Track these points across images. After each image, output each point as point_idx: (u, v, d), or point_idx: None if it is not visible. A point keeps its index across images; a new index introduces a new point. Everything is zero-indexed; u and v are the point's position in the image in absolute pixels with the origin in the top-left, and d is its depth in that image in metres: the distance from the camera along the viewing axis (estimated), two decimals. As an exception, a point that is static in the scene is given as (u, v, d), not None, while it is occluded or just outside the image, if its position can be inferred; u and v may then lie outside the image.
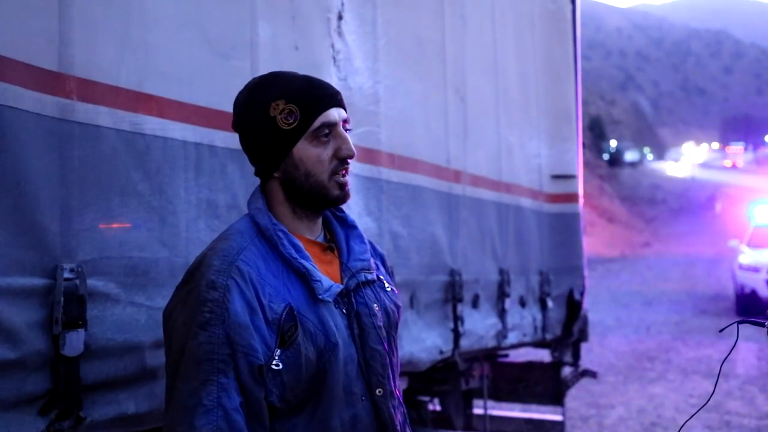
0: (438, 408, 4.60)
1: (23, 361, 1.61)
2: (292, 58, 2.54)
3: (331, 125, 1.60)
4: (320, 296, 1.55)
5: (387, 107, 3.15)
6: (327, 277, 1.59)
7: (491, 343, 4.08)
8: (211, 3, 2.23)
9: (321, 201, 1.62)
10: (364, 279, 1.66)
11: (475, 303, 3.87)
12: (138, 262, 1.91)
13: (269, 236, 1.58)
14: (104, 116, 1.84)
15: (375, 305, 1.66)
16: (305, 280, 1.56)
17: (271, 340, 1.49)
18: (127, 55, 1.92)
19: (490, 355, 4.69)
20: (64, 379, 1.69)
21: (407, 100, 3.34)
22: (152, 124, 1.97)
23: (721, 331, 1.91)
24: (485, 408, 4.69)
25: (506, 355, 5.07)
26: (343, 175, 1.62)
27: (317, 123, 1.59)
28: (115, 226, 1.86)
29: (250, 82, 1.66)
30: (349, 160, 1.62)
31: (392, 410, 1.63)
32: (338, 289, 1.59)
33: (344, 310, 1.60)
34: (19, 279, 1.62)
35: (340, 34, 2.86)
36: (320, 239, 1.68)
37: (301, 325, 1.51)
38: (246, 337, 1.46)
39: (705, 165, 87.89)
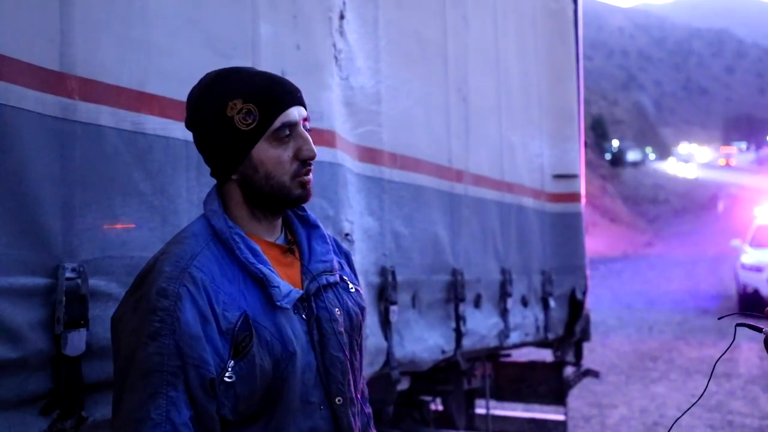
0: (440, 408, 4.59)
1: (25, 360, 1.61)
2: (293, 57, 2.53)
3: (292, 125, 1.52)
4: (278, 303, 1.48)
5: (389, 107, 3.15)
6: (286, 282, 1.52)
7: (493, 342, 4.08)
8: (213, 3, 2.23)
9: (282, 201, 1.55)
10: (325, 282, 1.59)
11: (477, 302, 3.87)
12: (140, 261, 1.90)
13: (225, 240, 1.51)
14: (106, 116, 1.84)
15: (336, 309, 1.59)
16: (262, 285, 1.48)
17: (224, 350, 1.42)
18: (129, 54, 1.92)
19: (493, 355, 4.69)
20: (66, 378, 1.69)
21: (409, 100, 3.34)
22: (154, 124, 1.97)
23: (720, 318, 1.91)
24: (487, 408, 4.70)
25: (508, 355, 5.07)
26: (306, 174, 1.55)
27: (277, 123, 1.51)
28: (116, 225, 1.86)
29: (205, 77, 1.57)
30: (311, 161, 1.55)
31: (351, 418, 1.57)
32: (297, 295, 1.52)
33: (304, 316, 1.54)
34: (21, 278, 1.62)
35: (341, 33, 2.86)
36: (280, 241, 1.61)
37: (256, 334, 1.45)
38: (197, 349, 1.39)
39: (707, 165, 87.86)
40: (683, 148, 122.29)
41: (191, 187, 2.08)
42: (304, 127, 1.56)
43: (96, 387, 1.78)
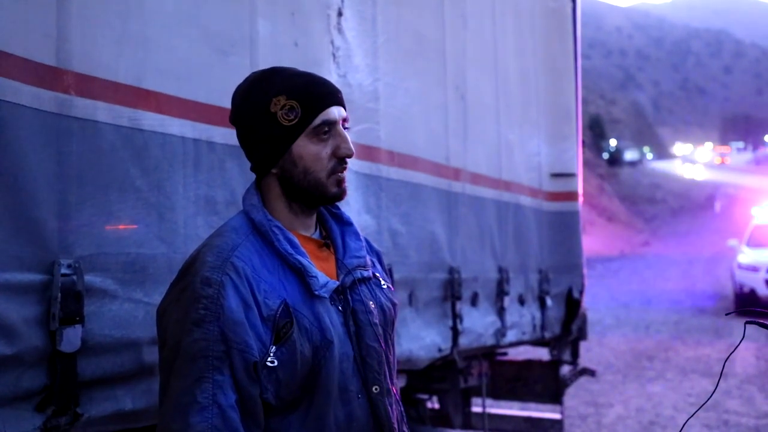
0: (437, 406, 4.59)
1: (20, 356, 1.61)
2: (291, 54, 2.53)
3: (331, 123, 1.59)
4: (316, 292, 1.54)
5: (386, 104, 3.15)
6: (323, 274, 1.58)
7: (490, 341, 4.08)
8: (211, -1, 2.22)
9: (318, 198, 1.61)
10: (360, 276, 1.65)
11: (474, 301, 3.86)
12: (136, 258, 1.91)
13: (264, 232, 1.57)
14: (102, 112, 1.83)
15: (371, 302, 1.65)
16: (301, 276, 1.54)
17: (266, 336, 1.47)
18: (126, 50, 1.91)
19: (489, 354, 4.68)
20: (61, 375, 1.69)
21: (407, 98, 3.33)
22: (151, 120, 1.97)
23: (727, 314, 1.97)
24: (484, 406, 4.69)
25: (505, 354, 5.07)
26: (342, 172, 1.61)
27: (318, 120, 1.57)
28: (113, 222, 1.86)
29: (250, 76, 1.64)
30: (347, 159, 1.61)
31: (389, 408, 1.62)
32: (334, 286, 1.58)
33: (340, 308, 1.59)
34: (17, 274, 1.61)
35: (339, 30, 2.85)
36: (315, 236, 1.67)
37: (296, 322, 1.50)
38: (241, 333, 1.44)
39: (705, 165, 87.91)
40: (679, 148, 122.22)
41: (188, 184, 2.08)
42: (344, 127, 1.62)
43: (91, 383, 1.78)
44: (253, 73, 1.65)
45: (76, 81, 1.76)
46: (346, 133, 1.62)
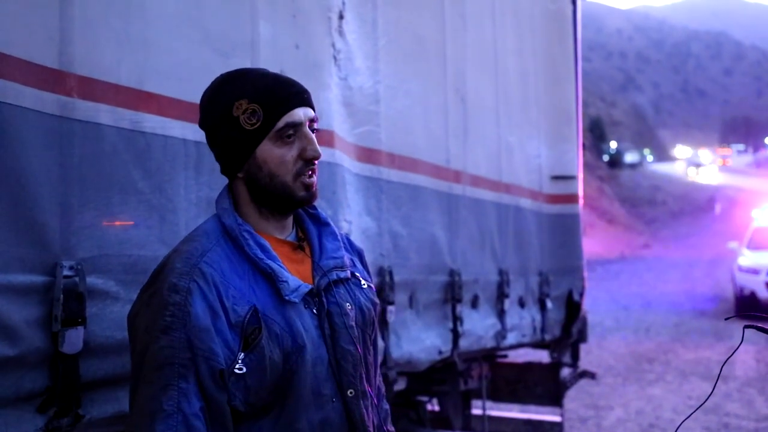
0: (437, 408, 4.60)
1: (22, 358, 1.61)
2: (292, 57, 2.53)
3: (296, 125, 1.56)
4: (286, 297, 1.52)
5: (387, 107, 3.15)
6: (295, 277, 1.55)
7: (490, 343, 4.08)
8: (212, 1, 2.23)
9: (286, 202, 1.58)
10: (335, 277, 1.63)
11: (474, 303, 3.87)
12: (137, 260, 1.91)
13: (235, 237, 1.55)
14: (104, 114, 1.84)
15: (348, 304, 1.62)
16: (272, 281, 1.52)
17: (234, 343, 1.46)
18: (128, 53, 1.92)
19: (489, 356, 4.69)
20: (63, 376, 1.69)
21: (407, 100, 3.34)
22: (152, 122, 1.97)
23: (726, 319, 1.98)
24: (484, 408, 4.69)
25: (505, 356, 5.07)
26: (310, 176, 1.58)
27: (281, 123, 1.54)
28: (115, 223, 1.86)
29: (216, 80, 1.62)
30: (315, 161, 1.58)
31: (364, 411, 1.59)
32: (306, 290, 1.55)
33: (314, 310, 1.57)
34: (19, 276, 1.62)
35: (340, 33, 2.86)
36: (291, 238, 1.64)
37: (266, 327, 1.48)
38: (207, 341, 1.43)
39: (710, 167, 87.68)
40: (679, 150, 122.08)
41: (189, 186, 2.09)
42: (312, 128, 1.59)
43: (93, 385, 1.78)
44: (220, 75, 1.62)
45: (78, 83, 1.77)
46: (312, 134, 1.58)
